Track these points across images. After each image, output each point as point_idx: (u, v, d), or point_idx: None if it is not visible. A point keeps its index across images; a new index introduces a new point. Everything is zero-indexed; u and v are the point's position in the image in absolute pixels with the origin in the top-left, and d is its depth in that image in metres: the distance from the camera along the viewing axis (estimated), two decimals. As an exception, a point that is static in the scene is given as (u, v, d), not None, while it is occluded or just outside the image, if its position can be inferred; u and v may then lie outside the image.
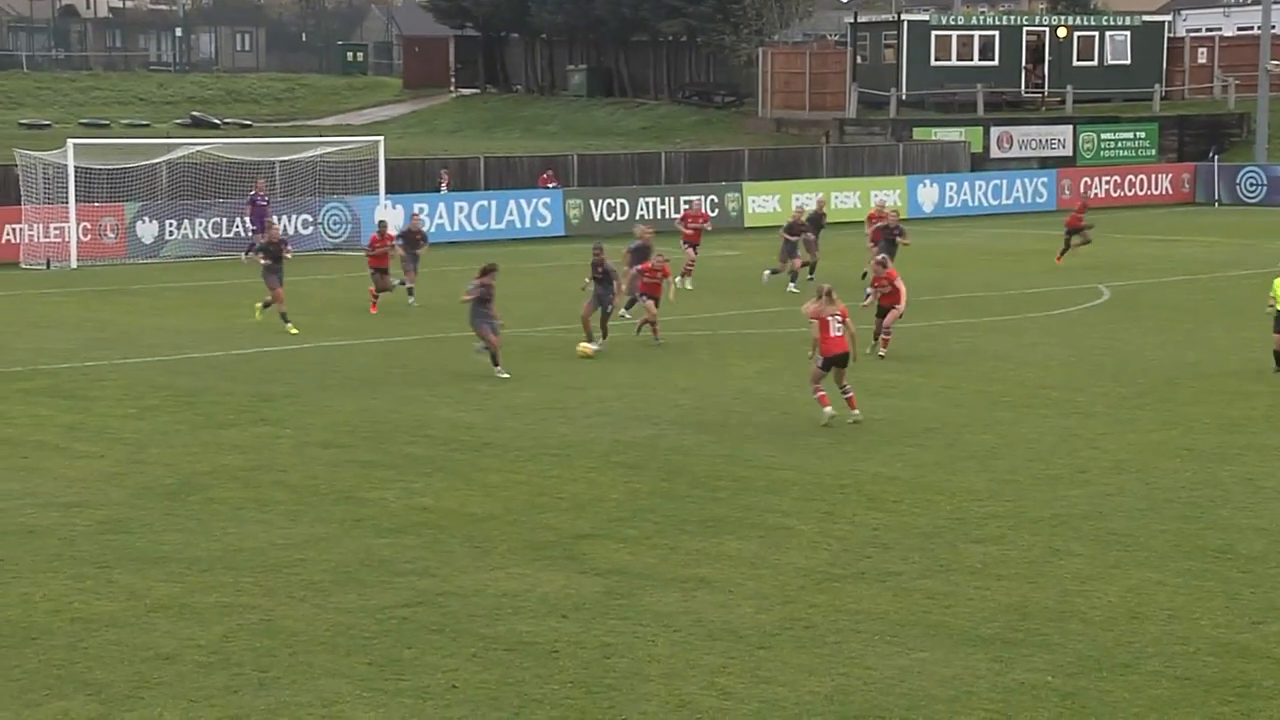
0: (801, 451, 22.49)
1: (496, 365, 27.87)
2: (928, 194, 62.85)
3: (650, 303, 31.20)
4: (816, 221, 42.17)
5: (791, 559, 17.40)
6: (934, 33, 79.29)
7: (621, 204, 58.35)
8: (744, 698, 13.43)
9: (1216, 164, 70.01)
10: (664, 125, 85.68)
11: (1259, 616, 15.44)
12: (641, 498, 20.06)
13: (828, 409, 23.71)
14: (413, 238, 38.92)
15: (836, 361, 23.96)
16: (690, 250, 41.64)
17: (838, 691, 13.55)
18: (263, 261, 33.66)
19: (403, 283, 38.16)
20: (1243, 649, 14.56)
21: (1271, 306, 27.74)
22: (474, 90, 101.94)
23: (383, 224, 40.08)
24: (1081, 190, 65.68)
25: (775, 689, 13.61)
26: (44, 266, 47.17)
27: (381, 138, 56.60)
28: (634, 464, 21.96)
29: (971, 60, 78.66)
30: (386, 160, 53.90)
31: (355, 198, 53.36)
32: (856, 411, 24.14)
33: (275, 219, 49.98)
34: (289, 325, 33.19)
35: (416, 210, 40.12)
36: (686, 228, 42.91)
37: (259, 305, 34.08)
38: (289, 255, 34.59)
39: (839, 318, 24.01)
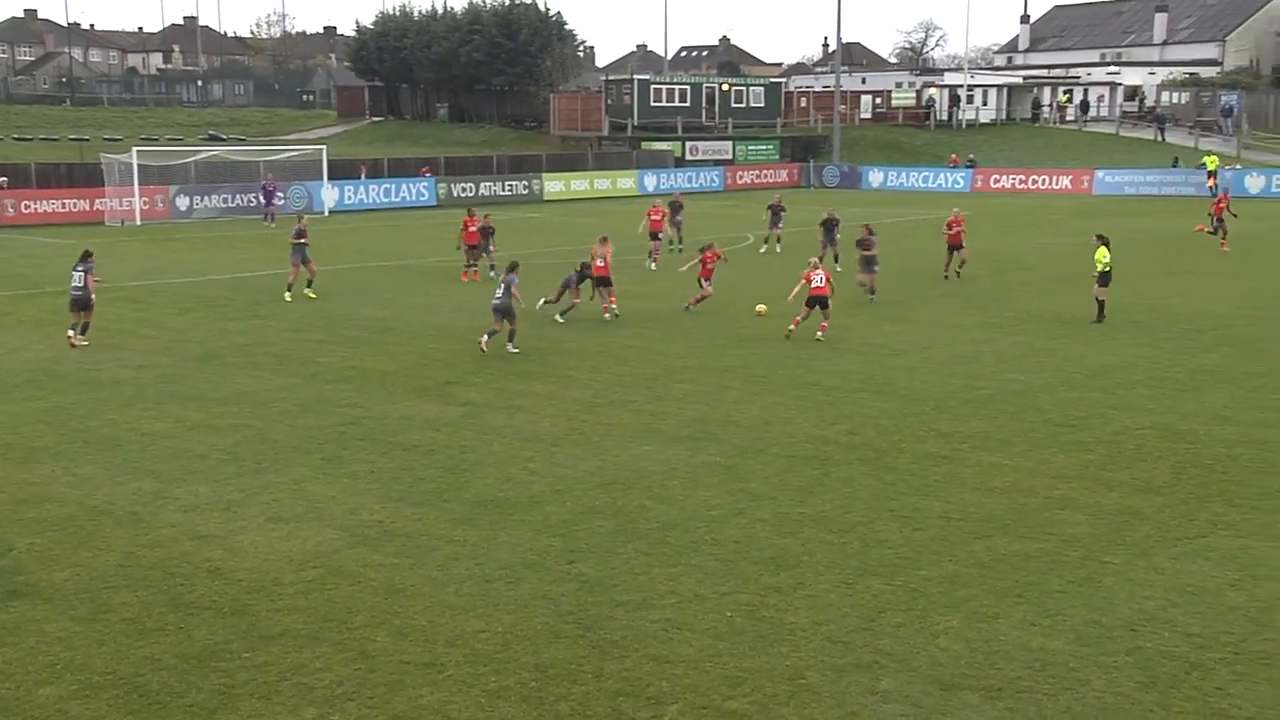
0: (578, 332, 22.61)
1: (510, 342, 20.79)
2: (650, 180, 63.39)
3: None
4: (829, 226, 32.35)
5: (572, 394, 17.64)
6: (652, 86, 79.33)
7: (470, 186, 57.81)
8: (544, 474, 13.70)
9: (813, 164, 71.58)
10: (495, 139, 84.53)
11: (833, 421, 15.99)
12: (484, 360, 20.12)
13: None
14: (486, 232, 30.07)
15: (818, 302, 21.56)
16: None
17: (598, 469, 13.89)
18: (293, 242, 26.96)
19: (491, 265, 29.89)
20: (823, 439, 15.12)
21: (1094, 269, 23.41)
22: (380, 118, 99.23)
23: (471, 209, 32.55)
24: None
25: (562, 469, 13.90)
26: (120, 224, 46.30)
27: (325, 146, 55.43)
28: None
29: (675, 103, 78.74)
30: (328, 160, 52.87)
31: (309, 182, 52.26)
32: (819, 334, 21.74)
33: (281, 197, 49.20)
34: (288, 294, 26.65)
35: (485, 215, 30.84)
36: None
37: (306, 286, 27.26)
38: (304, 241, 26.90)
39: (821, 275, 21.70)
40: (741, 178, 68.74)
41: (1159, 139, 73.03)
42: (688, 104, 79.36)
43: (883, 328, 23.19)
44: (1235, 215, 38.13)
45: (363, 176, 56.56)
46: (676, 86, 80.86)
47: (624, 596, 10.18)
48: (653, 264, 32.21)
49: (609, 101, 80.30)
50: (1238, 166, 61.49)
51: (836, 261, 31.40)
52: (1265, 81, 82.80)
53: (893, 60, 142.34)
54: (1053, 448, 14.60)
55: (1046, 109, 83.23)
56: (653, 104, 78.42)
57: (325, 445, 14.91)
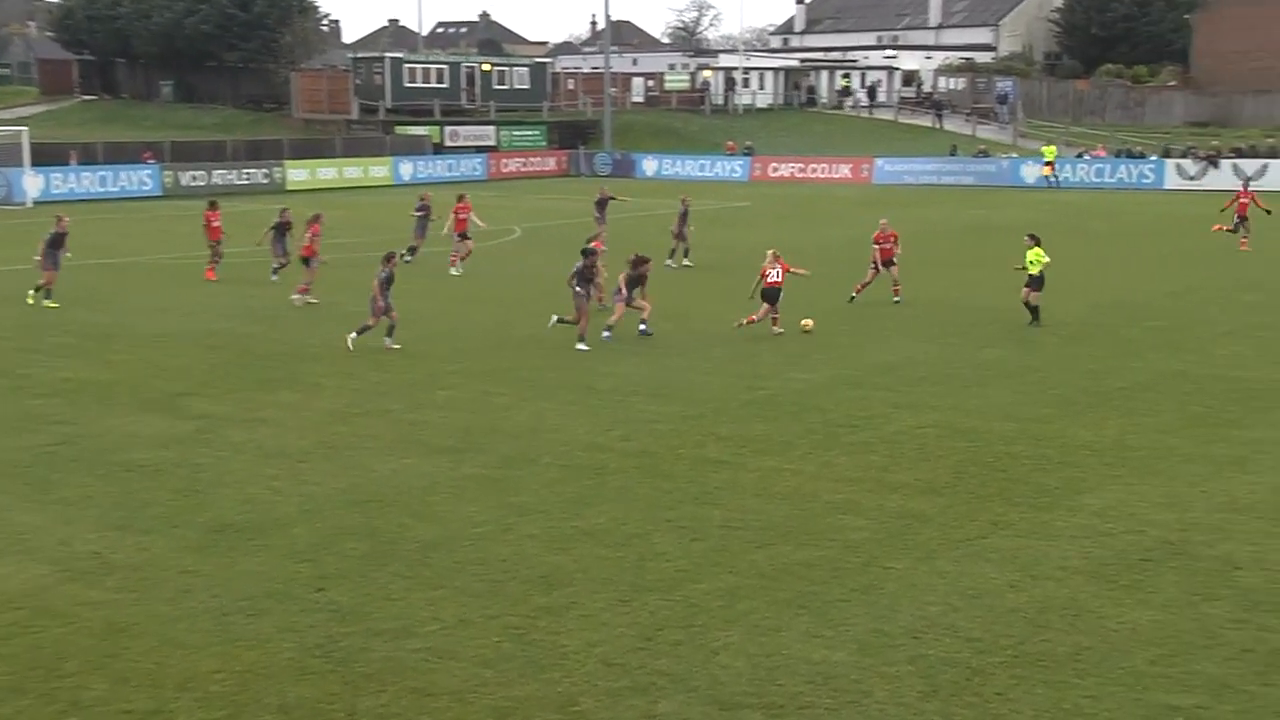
0: (330, 334, 22.08)
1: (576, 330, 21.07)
2: (406, 169, 62.92)
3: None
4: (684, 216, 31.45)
5: (322, 404, 17.28)
6: (405, 65, 78.44)
7: (201, 174, 56.14)
8: (290, 494, 13.38)
9: (583, 151, 72.26)
10: (230, 122, 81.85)
11: (608, 427, 16.10)
12: (221, 368, 19.53)
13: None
14: (282, 229, 28.04)
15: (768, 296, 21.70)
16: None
17: (352, 485, 13.63)
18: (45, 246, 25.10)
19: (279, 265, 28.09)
20: (598, 446, 15.15)
21: (1022, 269, 23.27)
22: (93, 96, 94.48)
23: (213, 201, 29.89)
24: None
25: (310, 487, 13.59)
26: None
27: (26, 128, 52.66)
28: (217, 346, 21.33)
29: (431, 83, 78.08)
30: (30, 143, 50.32)
31: (8, 168, 49.78)
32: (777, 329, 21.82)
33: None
34: (48, 300, 25.17)
35: (283, 209, 28.55)
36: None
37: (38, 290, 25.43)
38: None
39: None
40: (506, 165, 68.82)
41: (937, 126, 76.72)
42: (445, 85, 78.79)
43: (659, 326, 23.51)
44: (1269, 212, 36.14)
45: (73, 162, 54.25)
46: (433, 66, 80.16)
47: (381, 625, 10.02)
48: (458, 268, 30.35)
49: (358, 81, 79.03)
50: (1014, 155, 65.14)
51: (687, 256, 31.56)
52: (1038, 68, 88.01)
53: (665, 40, 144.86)
54: (835, 449, 15.11)
55: (825, 95, 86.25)
56: (407, 85, 77.52)
57: (32, 468, 14.16)
